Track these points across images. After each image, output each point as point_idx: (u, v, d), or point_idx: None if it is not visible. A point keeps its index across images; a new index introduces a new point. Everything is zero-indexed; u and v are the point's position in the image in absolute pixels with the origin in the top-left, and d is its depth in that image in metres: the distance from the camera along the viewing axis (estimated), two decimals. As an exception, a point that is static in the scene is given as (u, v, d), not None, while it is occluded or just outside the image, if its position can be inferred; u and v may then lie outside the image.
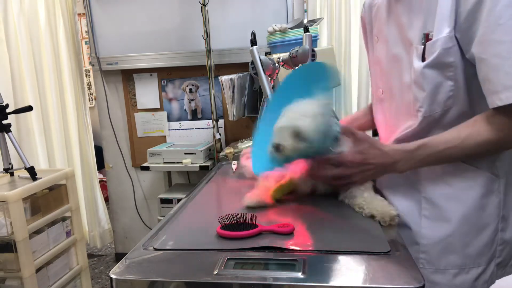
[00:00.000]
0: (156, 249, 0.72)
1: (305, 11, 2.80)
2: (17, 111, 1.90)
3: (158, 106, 2.68)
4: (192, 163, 2.34)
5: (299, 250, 0.69)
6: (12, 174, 1.92)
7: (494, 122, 0.80)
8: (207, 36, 2.23)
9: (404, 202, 0.93)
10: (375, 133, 1.11)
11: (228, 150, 2.10)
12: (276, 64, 1.32)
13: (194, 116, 2.66)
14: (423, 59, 0.84)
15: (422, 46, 0.84)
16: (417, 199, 0.92)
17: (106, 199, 2.97)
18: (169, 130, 2.70)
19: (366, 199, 0.87)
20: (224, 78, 2.07)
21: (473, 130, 0.82)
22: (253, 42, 1.27)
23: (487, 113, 0.81)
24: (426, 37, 0.84)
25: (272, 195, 0.94)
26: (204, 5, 2.18)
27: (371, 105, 1.14)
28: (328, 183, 0.95)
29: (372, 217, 0.84)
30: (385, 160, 0.86)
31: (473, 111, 0.85)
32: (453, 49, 0.81)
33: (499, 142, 0.81)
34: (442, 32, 0.81)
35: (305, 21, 2.37)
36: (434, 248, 0.88)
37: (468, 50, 0.80)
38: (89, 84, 4.46)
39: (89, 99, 4.48)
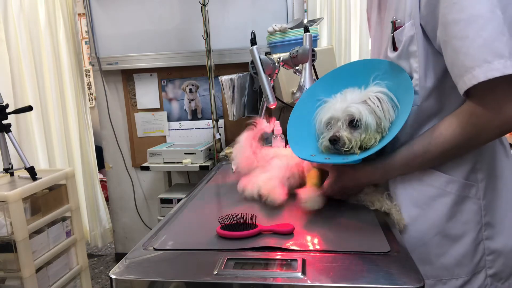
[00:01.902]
0: (156, 249, 0.72)
1: (305, 11, 2.80)
2: (17, 111, 1.90)
3: (158, 106, 2.68)
4: (192, 163, 2.34)
5: (299, 250, 0.69)
6: (12, 174, 1.92)
7: (461, 115, 0.75)
8: (207, 36, 2.23)
9: None
10: None
11: (228, 150, 2.10)
12: (276, 64, 1.32)
13: (194, 116, 2.67)
14: (395, 49, 0.83)
15: (392, 35, 0.83)
16: None
17: (106, 199, 2.98)
18: (169, 130, 2.70)
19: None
20: (224, 78, 2.07)
21: (435, 134, 0.79)
22: (253, 42, 1.27)
23: (456, 111, 0.77)
24: (394, 26, 0.82)
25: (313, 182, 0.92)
26: (204, 5, 2.18)
27: None
28: None
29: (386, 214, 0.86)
30: (362, 182, 0.89)
31: (445, 112, 0.81)
32: (415, 37, 0.78)
33: (466, 137, 0.76)
34: (409, 19, 0.79)
35: (305, 21, 2.37)
36: None
37: (434, 37, 0.77)
38: (89, 84, 4.46)
39: (89, 99, 4.48)
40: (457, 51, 0.71)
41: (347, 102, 0.84)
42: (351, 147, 0.83)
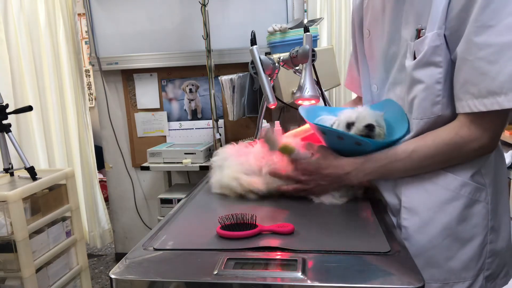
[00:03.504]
0: (156, 249, 0.72)
1: (305, 11, 2.81)
2: (17, 111, 1.90)
3: (158, 106, 2.68)
4: (192, 163, 2.34)
5: (299, 250, 0.69)
6: (12, 174, 1.92)
7: (448, 131, 0.79)
8: (207, 36, 2.23)
9: (391, 212, 0.91)
10: None
11: (228, 150, 2.10)
12: (276, 64, 1.31)
13: (194, 116, 2.66)
14: (415, 57, 0.82)
15: (413, 43, 0.82)
16: (396, 209, 0.90)
17: (106, 199, 2.97)
18: (169, 130, 2.70)
19: None
20: (224, 78, 2.07)
21: (420, 143, 0.81)
22: (253, 41, 1.26)
23: (445, 126, 0.80)
24: (418, 34, 0.81)
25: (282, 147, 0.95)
26: (204, 5, 2.18)
27: (356, 100, 1.16)
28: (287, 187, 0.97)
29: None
30: (337, 171, 0.88)
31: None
32: (440, 47, 0.77)
33: (447, 152, 0.79)
34: (433, 29, 0.77)
35: (305, 21, 2.37)
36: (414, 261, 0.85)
37: (454, 50, 0.77)
38: (89, 84, 4.46)
39: (89, 99, 4.48)
40: (483, 73, 0.71)
41: (372, 111, 0.93)
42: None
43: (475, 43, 0.72)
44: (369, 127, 0.88)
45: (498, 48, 0.70)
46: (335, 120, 0.95)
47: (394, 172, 0.86)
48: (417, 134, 0.84)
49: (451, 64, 0.79)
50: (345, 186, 0.91)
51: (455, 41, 0.76)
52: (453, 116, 0.81)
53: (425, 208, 0.84)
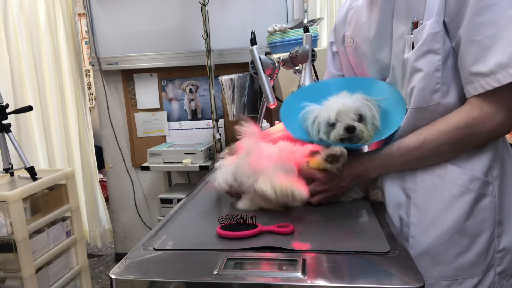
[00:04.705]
0: (156, 249, 0.72)
1: (305, 11, 2.81)
2: (17, 111, 1.90)
3: (158, 106, 2.68)
4: (192, 163, 2.34)
5: (299, 250, 0.69)
6: (12, 174, 1.92)
7: (460, 114, 0.78)
8: (207, 36, 2.23)
9: (395, 209, 0.90)
10: None
11: (228, 150, 2.10)
12: (276, 64, 1.31)
13: (194, 116, 2.67)
14: (413, 48, 0.82)
15: (411, 36, 0.82)
16: (407, 206, 0.89)
17: (106, 199, 2.98)
18: (169, 130, 2.70)
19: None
20: (224, 78, 2.07)
21: (431, 130, 0.81)
22: (253, 41, 1.26)
23: (456, 110, 0.79)
24: (415, 26, 0.81)
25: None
26: (204, 5, 2.18)
27: None
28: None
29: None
30: (356, 169, 0.87)
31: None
32: (439, 34, 0.77)
33: (461, 136, 0.78)
34: (431, 17, 0.78)
35: (305, 21, 2.37)
36: (423, 259, 0.83)
37: (455, 35, 0.77)
38: (89, 84, 4.46)
39: (89, 99, 4.48)
40: (492, 50, 0.72)
41: (351, 101, 0.88)
42: (364, 137, 0.87)
43: (480, 23, 0.72)
44: (349, 130, 0.86)
45: (504, 24, 0.71)
46: (316, 115, 0.91)
47: (408, 163, 0.85)
48: (414, 124, 0.84)
49: (450, 52, 0.79)
50: (363, 182, 0.91)
51: (456, 26, 0.76)
52: (453, 104, 0.81)
53: (434, 205, 0.84)
